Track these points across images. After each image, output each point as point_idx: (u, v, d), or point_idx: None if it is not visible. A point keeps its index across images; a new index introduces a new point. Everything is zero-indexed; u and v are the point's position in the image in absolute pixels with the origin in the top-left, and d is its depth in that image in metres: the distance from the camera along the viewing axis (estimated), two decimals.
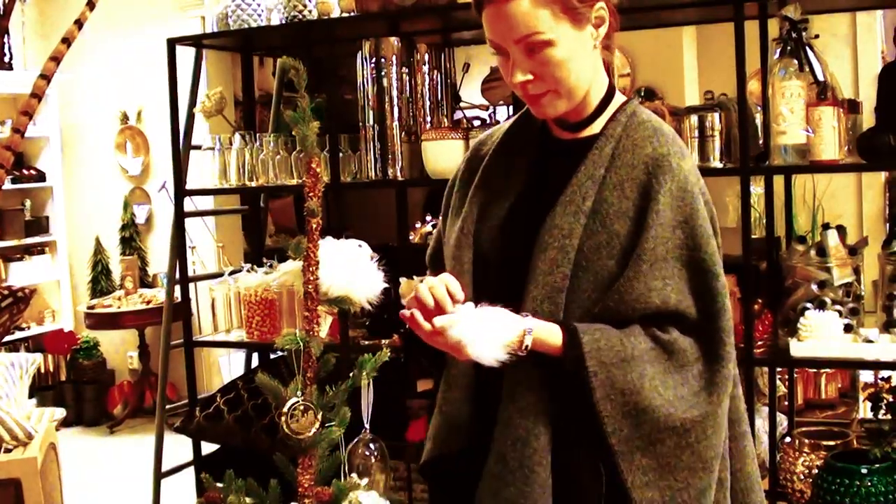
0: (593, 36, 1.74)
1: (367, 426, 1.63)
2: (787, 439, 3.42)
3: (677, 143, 1.78)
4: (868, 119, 3.19)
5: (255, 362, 4.56)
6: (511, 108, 3.77)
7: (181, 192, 4.08)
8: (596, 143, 1.78)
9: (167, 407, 4.50)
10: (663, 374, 1.65)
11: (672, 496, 1.65)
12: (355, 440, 1.63)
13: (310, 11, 3.74)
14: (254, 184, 3.92)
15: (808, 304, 3.14)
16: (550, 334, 1.67)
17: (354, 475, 1.53)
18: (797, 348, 3.09)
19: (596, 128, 1.82)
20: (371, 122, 3.62)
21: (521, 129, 1.93)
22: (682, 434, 1.65)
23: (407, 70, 3.62)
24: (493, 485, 1.67)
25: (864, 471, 2.95)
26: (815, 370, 4.33)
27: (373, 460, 1.64)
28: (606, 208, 1.71)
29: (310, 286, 1.46)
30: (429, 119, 3.65)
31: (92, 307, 6.81)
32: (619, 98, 1.86)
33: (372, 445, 1.65)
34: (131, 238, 7.24)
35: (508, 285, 1.74)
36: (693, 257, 1.70)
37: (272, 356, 4.21)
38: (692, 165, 1.77)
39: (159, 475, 4.35)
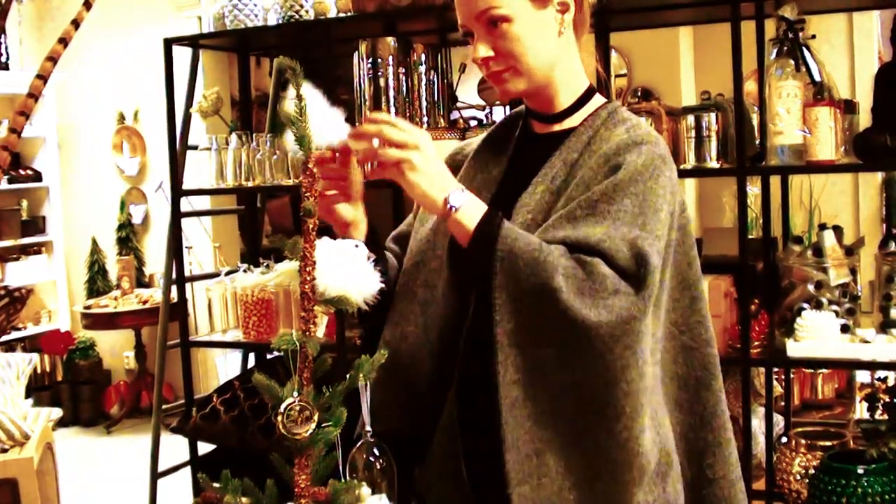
0: (557, 20, 1.77)
1: (368, 429, 1.62)
2: (784, 440, 3.42)
3: (654, 135, 1.78)
4: (865, 119, 3.19)
5: (251, 362, 4.56)
6: (507, 108, 3.78)
7: (178, 192, 4.08)
8: (574, 132, 1.81)
9: (164, 407, 4.50)
10: (574, 292, 1.56)
11: (533, 404, 1.59)
12: (358, 444, 1.62)
13: (306, 12, 3.74)
14: (250, 184, 3.91)
15: (805, 305, 3.14)
16: (477, 204, 1.65)
17: (365, 485, 1.53)
18: (794, 348, 3.10)
19: (574, 122, 1.83)
20: None
21: (503, 129, 1.96)
22: (564, 347, 1.57)
23: (403, 70, 3.62)
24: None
25: (860, 471, 2.94)
26: (811, 370, 4.33)
27: (377, 465, 1.63)
28: (575, 184, 1.72)
29: (306, 286, 1.46)
30: (426, 119, 3.65)
31: (88, 307, 6.81)
32: (599, 99, 1.88)
33: (375, 449, 1.63)
34: (128, 238, 7.24)
35: None
36: (635, 221, 1.64)
37: (268, 356, 4.21)
38: (666, 157, 1.75)
39: (156, 475, 4.34)
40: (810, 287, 3.16)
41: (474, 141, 2.01)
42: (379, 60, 3.60)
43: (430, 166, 1.62)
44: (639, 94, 6.80)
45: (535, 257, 1.58)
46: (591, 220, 1.64)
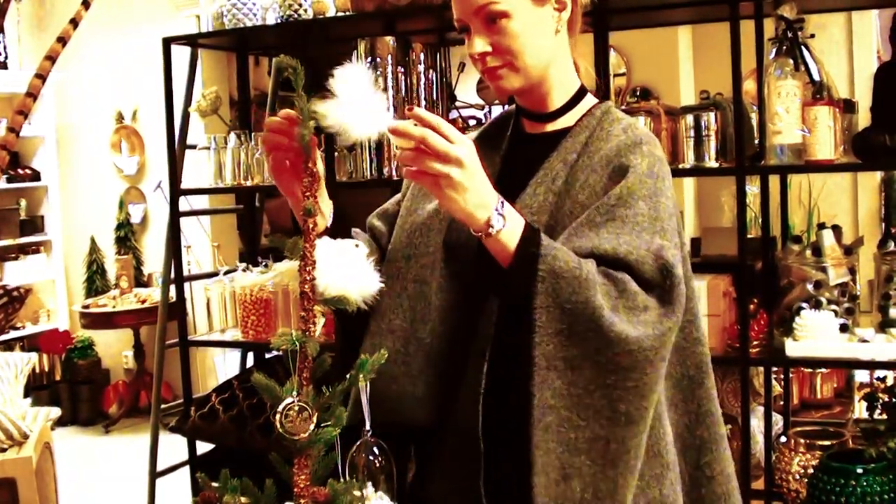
0: (554, 19, 1.76)
1: (367, 428, 1.62)
2: (783, 439, 3.43)
3: (650, 135, 1.79)
4: (864, 119, 3.19)
5: (249, 362, 4.56)
6: (506, 107, 3.78)
7: (176, 191, 4.08)
8: (570, 132, 1.80)
9: (162, 406, 4.50)
10: (612, 309, 1.56)
11: (567, 430, 1.57)
12: (357, 443, 1.62)
13: (305, 11, 3.74)
14: (249, 183, 3.92)
15: (804, 304, 3.15)
16: (515, 219, 1.61)
17: (369, 485, 1.53)
18: (793, 348, 3.10)
19: (568, 121, 1.83)
20: None
21: (495, 128, 1.96)
22: (603, 366, 1.56)
23: (402, 70, 3.62)
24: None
25: (859, 471, 2.95)
26: (810, 370, 4.34)
27: (377, 464, 1.62)
28: (576, 185, 1.71)
29: (306, 286, 1.46)
30: None
31: (87, 307, 6.80)
32: (591, 98, 1.88)
33: (375, 448, 1.63)
34: (126, 237, 7.24)
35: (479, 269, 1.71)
36: (654, 227, 1.65)
37: (267, 356, 4.21)
38: (664, 158, 1.76)
39: (154, 475, 4.34)
40: (809, 286, 3.17)
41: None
42: (378, 60, 3.60)
43: (471, 183, 1.55)
44: (638, 93, 6.80)
45: (576, 276, 1.56)
46: (612, 225, 1.64)
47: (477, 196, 1.56)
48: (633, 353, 1.56)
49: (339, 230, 1.76)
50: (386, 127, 1.51)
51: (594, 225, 1.65)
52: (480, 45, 1.74)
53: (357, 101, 1.48)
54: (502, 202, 1.60)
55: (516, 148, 1.89)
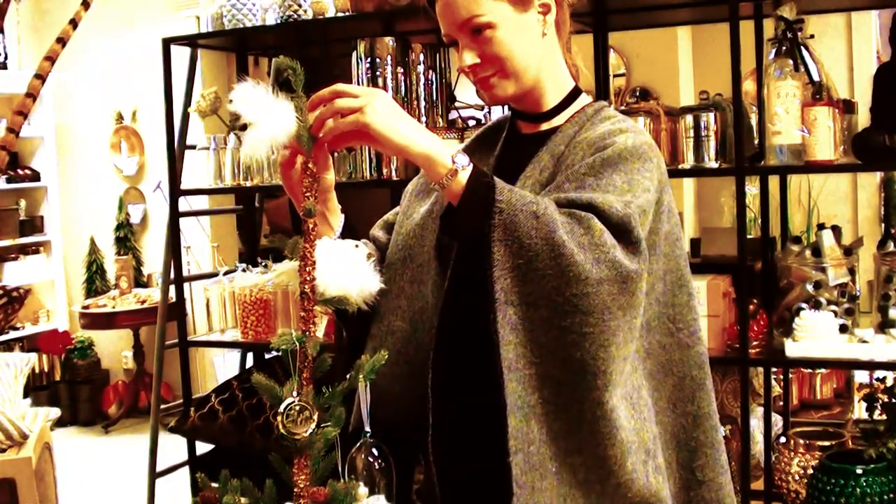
0: (540, 22, 1.77)
1: (367, 430, 1.62)
2: (783, 439, 3.43)
3: (640, 128, 1.79)
4: (863, 119, 3.19)
5: (249, 362, 4.56)
6: (505, 108, 3.78)
7: (176, 191, 4.07)
8: (560, 128, 1.82)
9: (162, 407, 4.50)
10: (576, 247, 1.53)
11: (523, 367, 1.56)
12: (357, 445, 1.62)
13: (304, 11, 3.74)
14: (248, 183, 3.92)
15: (804, 305, 3.15)
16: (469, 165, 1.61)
17: (361, 484, 1.53)
18: (792, 348, 3.10)
19: (561, 120, 1.84)
20: None
21: (489, 131, 1.97)
22: (560, 307, 1.53)
23: (402, 70, 3.62)
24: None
25: (858, 471, 2.95)
26: (810, 370, 4.34)
27: (377, 466, 1.62)
28: (562, 172, 1.72)
29: (306, 286, 1.46)
30: (424, 119, 3.65)
31: (86, 307, 6.81)
32: (585, 98, 1.89)
33: (374, 450, 1.63)
34: (126, 238, 7.24)
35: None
36: (624, 196, 1.63)
37: (266, 356, 4.21)
38: (654, 146, 1.75)
39: (154, 475, 4.34)
40: (809, 287, 3.17)
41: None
42: (377, 60, 3.60)
43: (394, 109, 1.58)
44: (637, 94, 6.80)
45: (532, 210, 1.54)
46: (580, 191, 1.63)
47: (409, 126, 1.58)
48: (590, 295, 1.53)
49: (345, 236, 1.76)
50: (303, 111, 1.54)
51: (562, 192, 1.64)
52: (469, 57, 1.76)
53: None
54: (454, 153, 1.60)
55: (510, 148, 1.90)
